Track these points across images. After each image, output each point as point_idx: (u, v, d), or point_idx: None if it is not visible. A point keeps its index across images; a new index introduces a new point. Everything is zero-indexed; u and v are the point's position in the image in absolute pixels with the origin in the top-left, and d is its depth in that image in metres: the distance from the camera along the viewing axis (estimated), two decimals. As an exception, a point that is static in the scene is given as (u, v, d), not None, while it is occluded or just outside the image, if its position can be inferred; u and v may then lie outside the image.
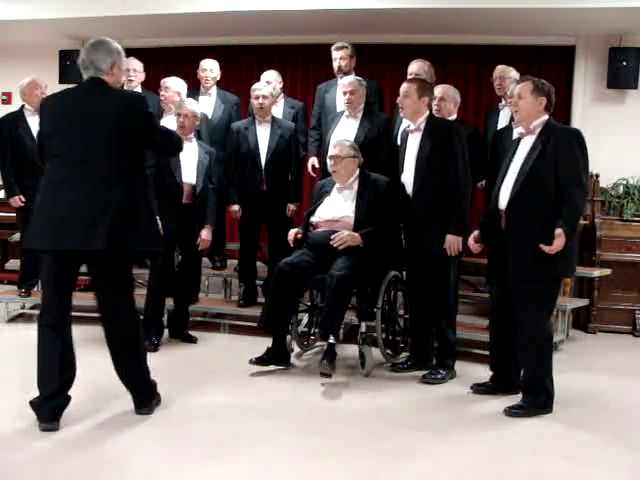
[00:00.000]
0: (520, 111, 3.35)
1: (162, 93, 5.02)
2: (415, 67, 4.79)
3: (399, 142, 4.11)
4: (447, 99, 4.36)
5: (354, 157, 4.18)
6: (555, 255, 3.18)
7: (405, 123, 4.20)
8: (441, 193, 3.77)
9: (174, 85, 5.04)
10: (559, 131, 3.31)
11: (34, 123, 5.10)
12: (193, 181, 4.46)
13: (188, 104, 4.57)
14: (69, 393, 3.00)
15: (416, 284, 4.02)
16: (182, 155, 4.42)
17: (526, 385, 3.39)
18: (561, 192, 3.18)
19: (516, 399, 3.41)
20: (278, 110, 5.29)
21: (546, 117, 3.33)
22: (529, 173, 3.24)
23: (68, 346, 2.98)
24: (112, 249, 2.90)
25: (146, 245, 3.06)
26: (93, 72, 3.02)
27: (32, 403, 2.95)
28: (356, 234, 3.95)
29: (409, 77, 4.71)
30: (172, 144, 3.34)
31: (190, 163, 4.47)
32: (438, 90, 4.36)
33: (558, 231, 3.11)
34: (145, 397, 3.18)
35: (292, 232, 4.23)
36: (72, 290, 3.07)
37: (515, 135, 3.74)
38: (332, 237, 3.92)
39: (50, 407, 2.93)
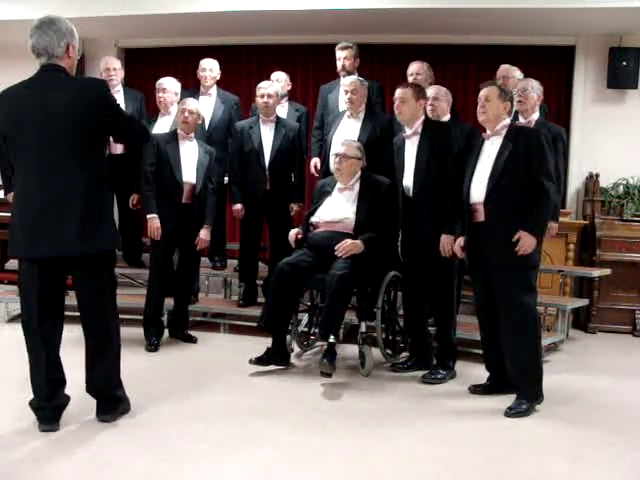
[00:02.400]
0: (487, 112, 3.53)
1: (160, 95, 5.00)
2: (415, 67, 4.81)
3: (395, 147, 4.09)
4: (440, 99, 4.39)
5: (359, 159, 4.20)
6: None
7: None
8: (441, 194, 3.79)
9: (172, 86, 5.04)
10: (526, 131, 3.59)
11: None
12: (193, 180, 4.45)
13: (192, 101, 4.59)
14: (67, 393, 3.00)
15: (413, 285, 4.02)
16: (183, 154, 4.44)
17: (518, 373, 3.40)
18: (535, 185, 3.36)
19: (514, 398, 3.42)
20: (283, 112, 5.29)
21: (509, 120, 3.56)
22: (504, 167, 3.40)
23: (52, 349, 2.94)
24: (84, 254, 2.82)
25: (114, 244, 2.98)
26: (47, 59, 2.82)
27: (31, 405, 2.95)
28: (359, 242, 3.94)
29: (411, 78, 4.75)
30: (138, 131, 3.08)
31: (190, 162, 4.46)
32: (431, 91, 4.41)
33: (521, 233, 3.32)
34: (110, 404, 3.06)
35: (292, 232, 4.23)
36: (59, 294, 2.97)
37: None
38: (336, 247, 3.91)
39: (49, 409, 2.92)
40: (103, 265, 2.95)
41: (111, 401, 3.07)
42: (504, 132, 3.49)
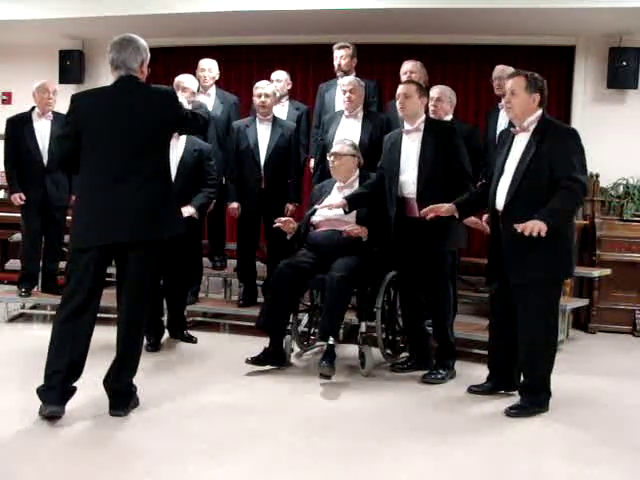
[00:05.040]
0: (513, 108, 3.29)
1: (179, 93, 4.96)
2: (410, 66, 4.83)
3: (388, 143, 4.03)
4: (443, 99, 4.39)
5: (353, 155, 4.21)
6: (553, 257, 3.21)
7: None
8: (443, 192, 3.73)
9: (192, 84, 5.02)
10: (554, 130, 3.24)
11: (40, 126, 5.13)
12: None
13: (180, 97, 4.50)
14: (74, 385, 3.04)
15: (409, 285, 4.01)
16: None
17: (529, 385, 3.39)
18: (559, 186, 3.12)
19: (515, 399, 3.42)
20: (283, 111, 5.30)
21: (540, 113, 3.28)
22: (524, 175, 3.21)
23: (85, 341, 3.04)
24: (159, 238, 3.12)
25: (182, 227, 3.28)
26: (125, 71, 3.12)
27: (38, 391, 2.97)
28: (364, 227, 3.99)
29: (405, 76, 4.75)
30: (202, 125, 3.50)
31: (171, 168, 4.32)
32: (435, 91, 4.38)
33: (535, 221, 3.05)
34: (125, 398, 3.16)
35: (285, 219, 4.21)
36: (103, 287, 3.14)
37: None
38: (344, 228, 3.96)
39: (61, 390, 2.96)
40: (155, 251, 3.17)
41: (124, 395, 3.15)
42: (532, 128, 3.24)
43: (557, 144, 3.17)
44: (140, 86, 3.17)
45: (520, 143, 3.30)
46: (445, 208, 3.56)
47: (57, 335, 3.01)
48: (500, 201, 3.32)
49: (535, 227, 3.04)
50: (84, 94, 3.28)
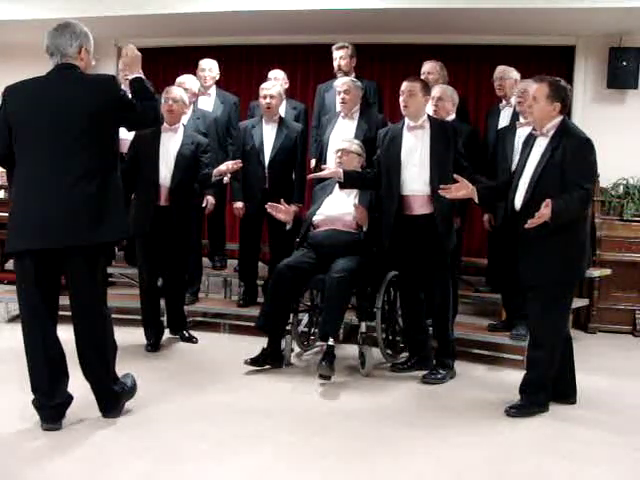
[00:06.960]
0: (534, 113, 3.36)
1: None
2: (428, 67, 4.85)
3: (386, 138, 3.98)
4: (445, 99, 4.37)
5: (359, 155, 4.25)
6: (562, 261, 3.23)
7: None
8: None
9: (193, 85, 5.02)
10: (570, 139, 3.25)
11: None
12: (168, 182, 4.28)
13: (176, 88, 4.48)
14: (70, 392, 3.00)
15: (409, 283, 4.01)
16: (162, 150, 4.28)
17: (529, 384, 3.38)
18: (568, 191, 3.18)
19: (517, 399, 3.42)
20: (280, 110, 5.29)
21: (559, 119, 3.31)
22: (538, 181, 3.25)
23: (52, 345, 2.94)
24: (96, 244, 2.87)
25: (123, 232, 3.03)
26: (60, 58, 2.91)
27: (33, 404, 2.95)
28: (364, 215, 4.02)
29: (423, 77, 4.68)
30: (149, 118, 3.08)
31: (169, 158, 4.30)
32: (436, 90, 4.36)
33: (548, 201, 3.08)
34: (109, 402, 3.08)
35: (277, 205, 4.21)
36: (57, 289, 2.99)
37: (518, 134, 3.78)
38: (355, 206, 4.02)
39: (50, 407, 2.92)
40: (98, 257, 2.97)
41: (109, 398, 3.08)
42: (551, 134, 3.28)
43: (571, 154, 3.20)
44: (75, 75, 2.90)
45: (539, 147, 3.34)
46: (465, 191, 3.52)
47: (27, 347, 2.95)
48: (518, 202, 3.36)
49: (542, 218, 3.10)
50: (15, 86, 2.97)
